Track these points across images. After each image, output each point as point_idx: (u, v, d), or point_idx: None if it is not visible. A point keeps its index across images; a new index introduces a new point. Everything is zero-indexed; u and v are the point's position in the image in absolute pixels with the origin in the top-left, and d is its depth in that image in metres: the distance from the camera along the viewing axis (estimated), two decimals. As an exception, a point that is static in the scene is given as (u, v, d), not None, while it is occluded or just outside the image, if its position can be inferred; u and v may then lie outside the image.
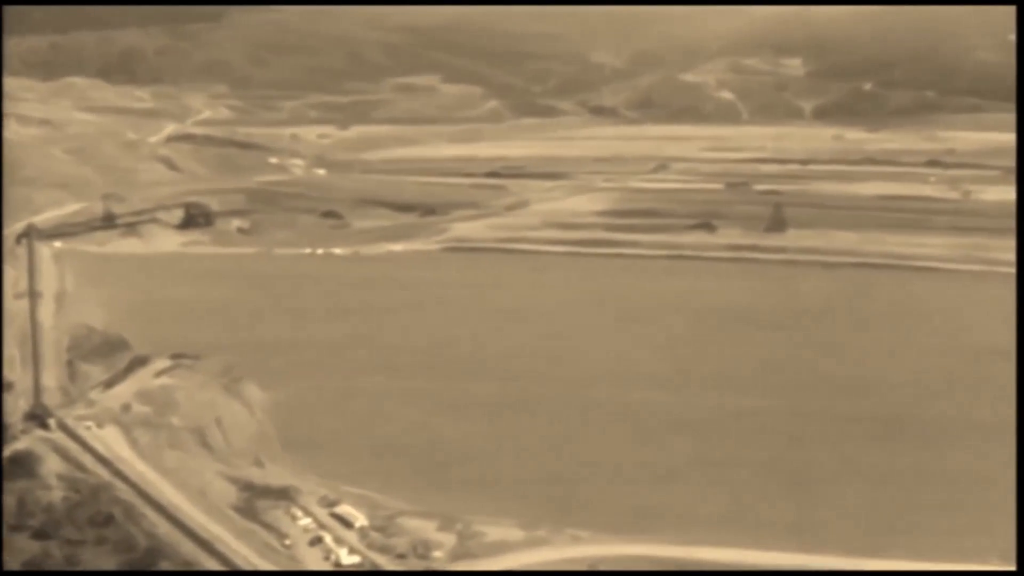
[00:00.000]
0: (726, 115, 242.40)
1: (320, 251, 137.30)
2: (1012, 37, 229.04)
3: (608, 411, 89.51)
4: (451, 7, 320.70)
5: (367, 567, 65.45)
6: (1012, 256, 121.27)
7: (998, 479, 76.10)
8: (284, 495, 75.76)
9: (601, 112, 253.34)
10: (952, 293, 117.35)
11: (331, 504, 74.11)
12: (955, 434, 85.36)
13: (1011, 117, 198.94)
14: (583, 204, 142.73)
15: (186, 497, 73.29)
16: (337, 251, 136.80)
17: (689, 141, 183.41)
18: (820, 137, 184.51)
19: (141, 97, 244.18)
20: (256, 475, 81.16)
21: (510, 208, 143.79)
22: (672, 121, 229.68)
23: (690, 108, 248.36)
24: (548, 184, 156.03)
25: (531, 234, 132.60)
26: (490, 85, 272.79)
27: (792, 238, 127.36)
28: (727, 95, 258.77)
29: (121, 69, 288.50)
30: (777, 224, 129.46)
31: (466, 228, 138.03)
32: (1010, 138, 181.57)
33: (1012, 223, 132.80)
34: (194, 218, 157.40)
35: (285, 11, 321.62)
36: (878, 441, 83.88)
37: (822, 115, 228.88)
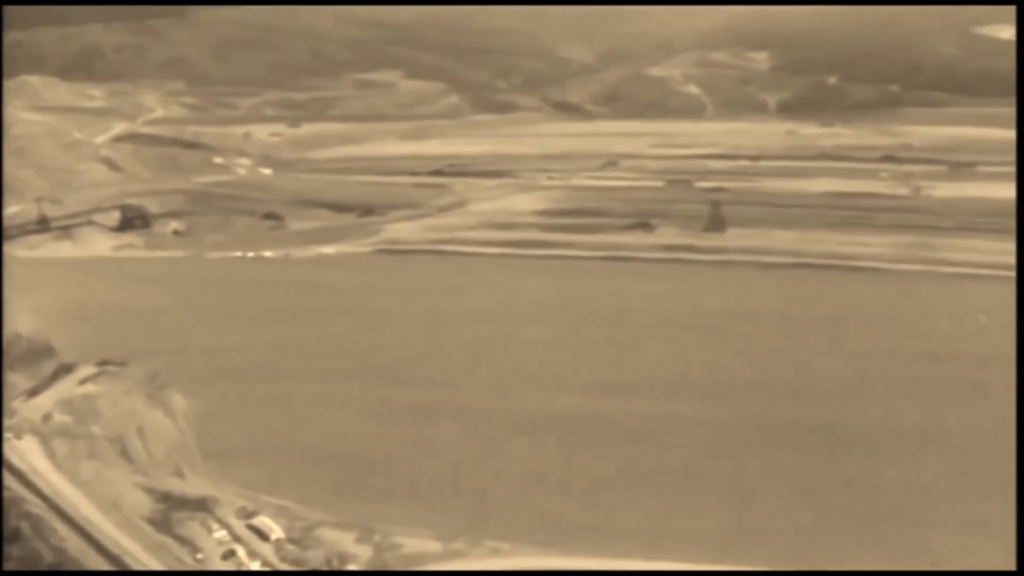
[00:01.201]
0: (691, 110, 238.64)
1: (251, 254, 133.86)
2: (975, 31, 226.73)
3: (534, 418, 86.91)
4: (422, 5, 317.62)
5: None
6: (955, 255, 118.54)
7: (935, 487, 74.20)
8: (201, 506, 73.88)
9: (564, 108, 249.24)
10: (893, 295, 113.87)
11: (249, 515, 72.35)
12: (891, 441, 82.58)
13: (972, 111, 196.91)
14: (523, 203, 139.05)
15: (99, 510, 71.65)
16: (268, 254, 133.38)
17: (641, 137, 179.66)
18: (774, 133, 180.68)
19: (93, 96, 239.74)
20: (175, 485, 78.94)
21: (447, 208, 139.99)
22: (636, 116, 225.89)
23: (655, 103, 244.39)
24: (491, 183, 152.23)
25: (465, 235, 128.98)
26: (453, 81, 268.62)
27: (731, 238, 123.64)
28: (693, 89, 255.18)
29: (80, 67, 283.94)
30: (716, 223, 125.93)
31: (400, 229, 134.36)
32: (966, 132, 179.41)
33: (959, 220, 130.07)
34: (131, 221, 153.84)
35: (250, 8, 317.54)
36: (812, 449, 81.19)
37: (785, 109, 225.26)
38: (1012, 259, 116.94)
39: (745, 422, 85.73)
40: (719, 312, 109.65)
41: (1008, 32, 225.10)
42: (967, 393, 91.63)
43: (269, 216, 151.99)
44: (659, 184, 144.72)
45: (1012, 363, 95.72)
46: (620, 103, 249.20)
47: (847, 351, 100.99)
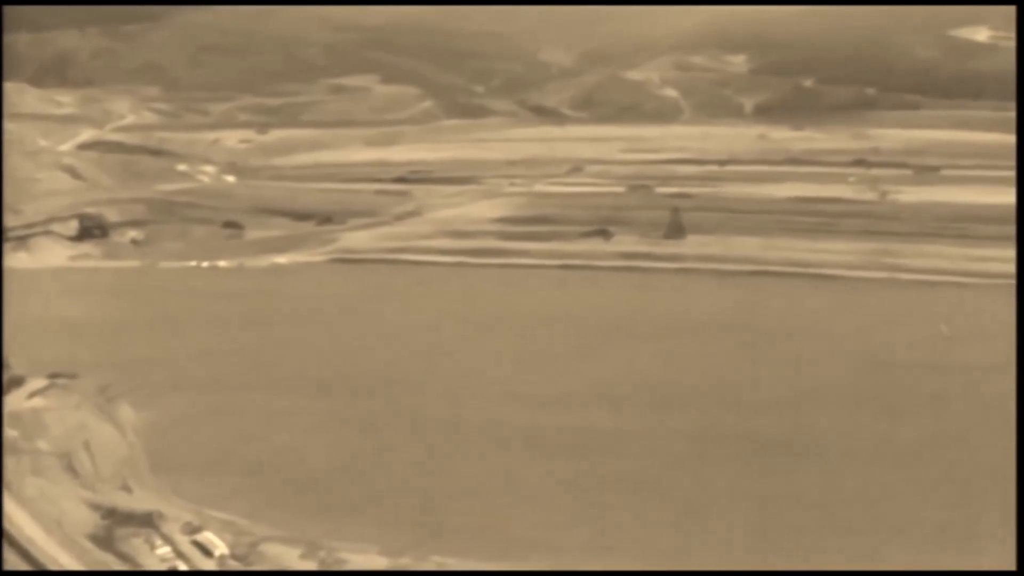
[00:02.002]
0: (667, 113, 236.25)
1: (205, 264, 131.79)
2: (951, 33, 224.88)
3: (485, 431, 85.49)
4: (401, 7, 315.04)
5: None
6: (918, 262, 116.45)
7: (890, 500, 72.81)
8: (147, 522, 72.51)
9: (540, 111, 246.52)
10: (851, 303, 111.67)
11: (194, 531, 71.14)
12: (846, 454, 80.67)
13: (946, 114, 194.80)
14: (482, 211, 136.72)
15: (41, 528, 70.52)
16: (222, 264, 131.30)
17: (610, 142, 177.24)
18: (745, 136, 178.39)
19: (62, 102, 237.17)
20: (121, 501, 77.35)
21: (404, 216, 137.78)
22: (612, 120, 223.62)
23: (632, 106, 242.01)
24: (454, 189, 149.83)
25: (421, 244, 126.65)
26: (429, 85, 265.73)
27: (691, 245, 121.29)
28: (670, 92, 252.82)
29: (54, 72, 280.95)
30: (675, 230, 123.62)
31: (355, 238, 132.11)
32: (938, 135, 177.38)
33: (923, 226, 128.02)
34: (89, 230, 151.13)
35: (229, 11, 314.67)
36: (764, 462, 79.37)
37: (761, 112, 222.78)
38: (975, 265, 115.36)
39: (697, 434, 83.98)
40: (674, 322, 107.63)
41: (984, 34, 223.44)
42: (925, 405, 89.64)
43: (229, 224, 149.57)
44: (620, 190, 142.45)
45: (972, 374, 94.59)
46: (597, 107, 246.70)
47: (803, 361, 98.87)
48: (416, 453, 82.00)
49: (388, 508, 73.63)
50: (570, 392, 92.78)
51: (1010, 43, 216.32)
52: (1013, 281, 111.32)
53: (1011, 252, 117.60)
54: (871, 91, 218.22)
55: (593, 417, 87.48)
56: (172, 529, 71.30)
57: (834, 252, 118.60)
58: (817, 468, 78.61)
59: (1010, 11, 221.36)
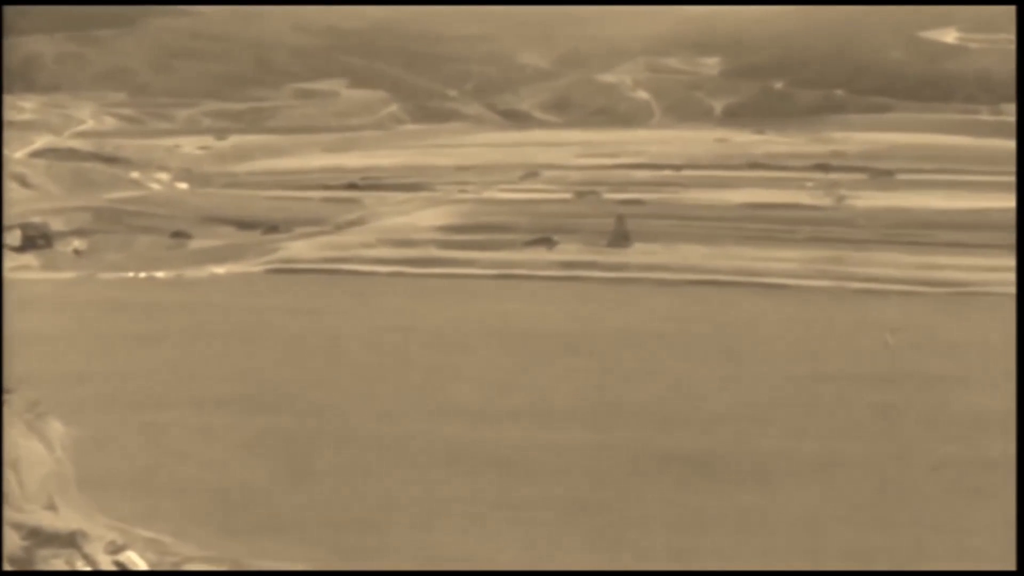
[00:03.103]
0: (640, 115, 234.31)
1: (143, 275, 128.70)
2: (921, 34, 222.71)
3: (417, 447, 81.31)
4: (379, 9, 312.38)
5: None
6: (866, 270, 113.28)
7: (828, 518, 68.44)
8: (70, 541, 67.43)
9: (511, 115, 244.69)
10: (796, 313, 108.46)
11: (117, 550, 65.84)
12: (784, 471, 76.52)
13: (913, 117, 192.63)
14: (428, 218, 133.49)
15: None
16: (160, 275, 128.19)
17: (569, 147, 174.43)
18: (705, 140, 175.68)
19: (24, 108, 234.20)
20: (46, 520, 73.39)
21: (348, 224, 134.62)
22: (584, 123, 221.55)
23: (604, 109, 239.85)
24: (403, 196, 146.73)
25: (362, 253, 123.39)
26: (399, 89, 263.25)
27: (635, 254, 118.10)
28: (642, 95, 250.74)
29: (20, 77, 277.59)
30: (620, 238, 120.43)
31: (296, 248, 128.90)
32: (903, 138, 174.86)
33: (876, 232, 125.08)
34: (33, 240, 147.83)
35: (205, 16, 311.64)
36: (700, 479, 75.38)
37: (730, 115, 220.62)
38: (924, 274, 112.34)
39: (631, 451, 79.83)
40: (614, 333, 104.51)
41: (952, 35, 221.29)
42: (867, 418, 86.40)
43: (177, 234, 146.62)
44: (568, 196, 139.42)
45: (916, 387, 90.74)
46: (569, 110, 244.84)
47: (744, 375, 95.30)
48: (345, 470, 78.12)
49: (315, 527, 69.81)
50: (503, 407, 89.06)
51: (979, 44, 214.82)
52: (962, 290, 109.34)
53: (964, 259, 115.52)
54: (840, 93, 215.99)
55: (525, 433, 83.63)
56: (95, 549, 65.84)
57: (782, 260, 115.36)
58: (755, 486, 74.76)
59: (979, 12, 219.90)
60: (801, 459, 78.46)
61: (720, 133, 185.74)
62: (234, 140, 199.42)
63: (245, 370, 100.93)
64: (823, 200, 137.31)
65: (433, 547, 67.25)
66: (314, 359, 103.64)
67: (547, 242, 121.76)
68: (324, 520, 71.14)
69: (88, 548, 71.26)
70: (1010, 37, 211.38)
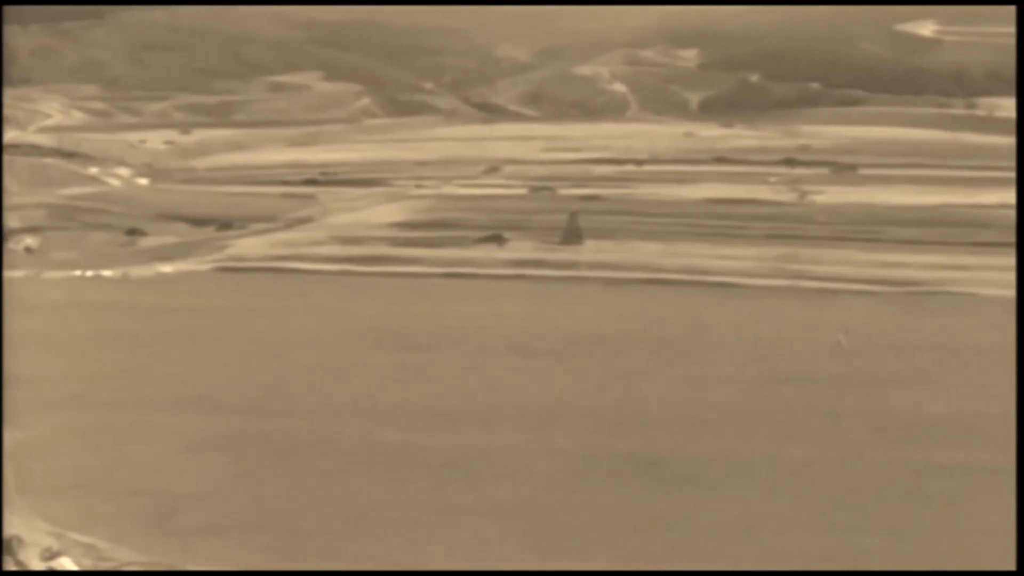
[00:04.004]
0: (616, 108, 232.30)
1: (90, 274, 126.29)
2: (898, 28, 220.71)
3: (355, 450, 79.46)
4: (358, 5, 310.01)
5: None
6: (822, 269, 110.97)
7: (775, 523, 66.17)
8: (7, 548, 66.75)
9: (485, 108, 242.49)
10: (747, 313, 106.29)
11: (52, 556, 63.64)
12: (730, 474, 74.67)
13: (887, 111, 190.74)
14: (382, 215, 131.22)
15: None
16: (107, 273, 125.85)
17: (534, 141, 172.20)
18: (671, 134, 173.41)
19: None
20: None
21: (300, 221, 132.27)
22: (560, 117, 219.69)
23: (580, 102, 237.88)
24: (360, 192, 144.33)
25: (310, 251, 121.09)
26: (373, 82, 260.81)
27: (586, 251, 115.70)
28: (619, 88, 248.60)
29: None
30: (572, 236, 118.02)
31: (246, 245, 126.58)
32: (873, 132, 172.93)
33: (836, 229, 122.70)
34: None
35: (182, 8, 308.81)
36: (643, 483, 73.34)
37: (706, 108, 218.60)
38: (881, 272, 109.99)
39: (576, 455, 77.67)
40: (560, 334, 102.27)
41: (929, 29, 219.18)
42: (816, 421, 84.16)
43: (133, 231, 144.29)
44: (523, 192, 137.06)
45: (868, 389, 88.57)
46: (544, 103, 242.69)
47: (691, 376, 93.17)
48: (286, 474, 76.48)
49: (254, 532, 67.46)
50: (448, 410, 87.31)
51: (955, 38, 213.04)
52: (918, 289, 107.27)
53: (921, 257, 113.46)
54: (815, 86, 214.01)
55: (470, 436, 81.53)
56: (30, 555, 63.52)
57: (736, 258, 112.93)
58: (699, 491, 72.64)
59: (958, 6, 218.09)
60: (747, 462, 76.55)
61: (689, 127, 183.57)
62: (198, 135, 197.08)
63: (188, 371, 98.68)
64: (785, 196, 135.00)
65: (374, 553, 64.89)
66: (257, 360, 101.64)
67: (498, 239, 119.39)
68: (263, 524, 69.18)
69: (23, 555, 69.71)
70: (986, 30, 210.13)
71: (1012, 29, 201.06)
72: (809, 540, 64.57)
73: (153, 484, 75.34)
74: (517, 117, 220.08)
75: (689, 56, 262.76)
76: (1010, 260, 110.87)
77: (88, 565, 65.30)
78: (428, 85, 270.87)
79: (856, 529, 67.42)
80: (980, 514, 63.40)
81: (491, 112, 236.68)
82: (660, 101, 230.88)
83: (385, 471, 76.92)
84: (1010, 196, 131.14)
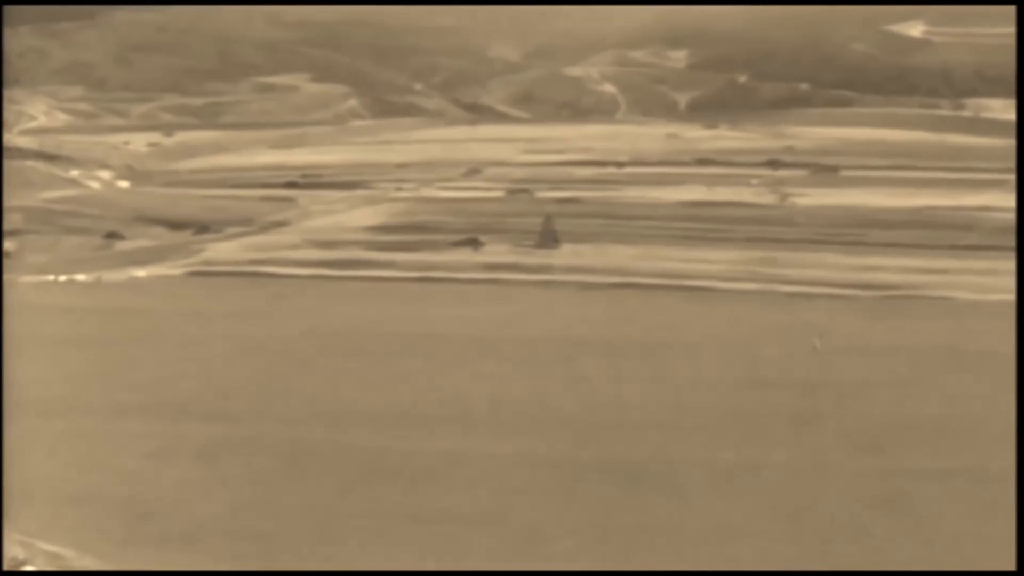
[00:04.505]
0: (605, 109, 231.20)
1: (63, 278, 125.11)
2: (887, 28, 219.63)
3: (324, 455, 78.28)
4: (350, 6, 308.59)
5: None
6: (798, 272, 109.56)
7: (746, 529, 65.39)
8: None
9: (474, 109, 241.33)
10: (722, 317, 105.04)
11: (19, 565, 62.82)
12: (702, 480, 73.19)
13: (875, 111, 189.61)
14: (359, 218, 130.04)
15: None
16: (80, 277, 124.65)
17: (517, 142, 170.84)
18: (655, 135, 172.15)
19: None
20: None
21: (277, 225, 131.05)
22: (544, 118, 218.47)
23: (570, 103, 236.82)
24: (340, 195, 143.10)
25: (285, 255, 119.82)
26: (363, 83, 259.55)
27: (561, 255, 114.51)
28: (609, 88, 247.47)
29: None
30: (548, 239, 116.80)
31: (221, 249, 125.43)
32: (859, 133, 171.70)
33: (815, 232, 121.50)
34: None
35: (172, 9, 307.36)
36: (615, 489, 72.22)
37: (694, 108, 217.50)
38: (858, 276, 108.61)
39: (545, 461, 76.28)
40: (532, 339, 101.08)
41: (919, 29, 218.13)
42: (790, 427, 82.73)
43: (110, 235, 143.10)
44: (500, 195, 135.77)
45: (842, 394, 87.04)
46: (533, 104, 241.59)
47: (665, 381, 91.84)
48: (249, 480, 75.25)
49: (222, 539, 66.45)
50: (420, 415, 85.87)
51: (944, 39, 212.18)
52: (895, 293, 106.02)
53: (899, 260, 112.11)
54: (804, 87, 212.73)
55: (443, 442, 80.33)
56: None
57: (712, 262, 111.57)
58: (672, 496, 71.61)
59: (948, 7, 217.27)
60: (718, 468, 75.20)
61: (673, 128, 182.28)
62: (181, 137, 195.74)
63: (156, 376, 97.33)
64: (766, 198, 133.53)
65: (340, 559, 63.87)
66: (225, 365, 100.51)
67: (474, 243, 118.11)
68: (234, 532, 68.11)
69: (-9, 565, 69.33)
70: (976, 31, 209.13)
71: (1001, 29, 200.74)
72: (782, 546, 63.58)
73: (122, 491, 74.34)
74: (502, 118, 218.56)
75: (679, 57, 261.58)
76: (990, 263, 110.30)
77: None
78: (418, 86, 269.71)
79: (829, 535, 66.39)
80: (955, 520, 62.48)
81: (479, 113, 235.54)
82: (649, 102, 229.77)
83: (357, 477, 75.96)
84: (993, 198, 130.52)
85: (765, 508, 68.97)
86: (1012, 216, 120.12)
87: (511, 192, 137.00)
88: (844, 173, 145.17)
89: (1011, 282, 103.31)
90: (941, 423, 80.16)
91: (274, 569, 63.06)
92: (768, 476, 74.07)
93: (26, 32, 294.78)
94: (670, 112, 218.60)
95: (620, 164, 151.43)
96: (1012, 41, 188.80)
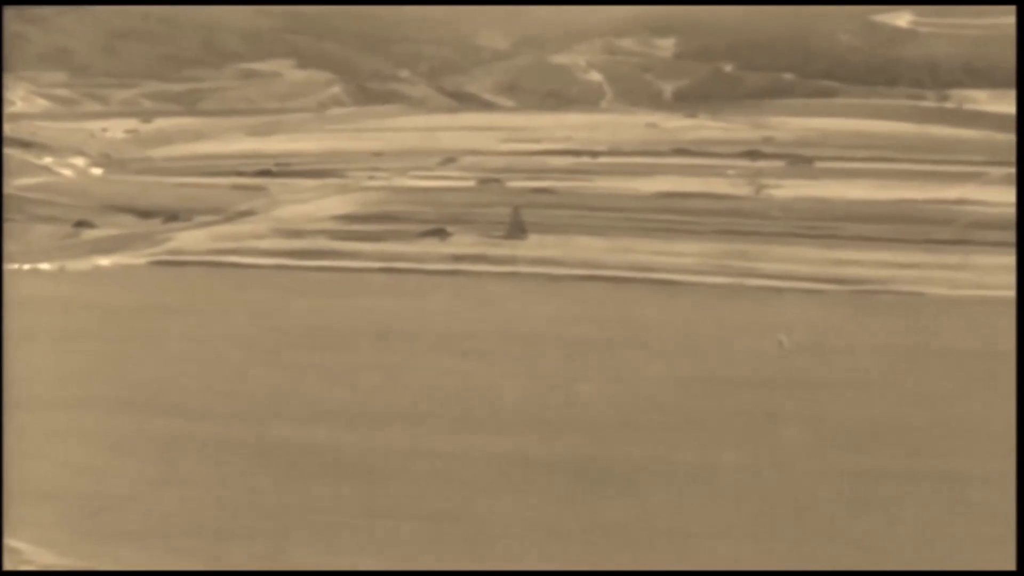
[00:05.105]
0: (590, 98, 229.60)
1: (27, 267, 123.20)
2: (873, 18, 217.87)
3: (280, 451, 76.82)
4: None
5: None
6: (770, 266, 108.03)
7: (708, 532, 63.94)
8: None
9: (458, 97, 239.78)
10: (688, 312, 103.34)
11: None
12: (660, 480, 71.62)
13: (858, 102, 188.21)
14: (329, 207, 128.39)
15: None
16: (44, 267, 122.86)
17: (497, 131, 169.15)
18: (634, 125, 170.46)
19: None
20: None
21: (246, 214, 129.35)
22: (529, 107, 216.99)
23: (556, 91, 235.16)
24: (313, 183, 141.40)
25: (251, 244, 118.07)
26: (346, 71, 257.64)
27: (528, 247, 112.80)
28: (595, 77, 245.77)
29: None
30: (516, 230, 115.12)
31: (187, 238, 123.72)
32: (840, 124, 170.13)
33: (790, 225, 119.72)
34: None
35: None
36: (570, 488, 70.82)
37: (679, 98, 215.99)
38: (829, 270, 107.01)
39: (499, 458, 74.91)
40: (493, 332, 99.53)
41: (905, 19, 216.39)
42: (754, 425, 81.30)
43: (80, 223, 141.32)
44: (471, 184, 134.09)
45: (807, 392, 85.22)
46: (519, 92, 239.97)
47: (627, 377, 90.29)
48: (207, 475, 74.25)
49: (178, 536, 65.19)
50: (375, 410, 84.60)
51: (931, 29, 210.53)
52: (864, 288, 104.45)
53: (871, 255, 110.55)
54: (790, 76, 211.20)
55: (395, 437, 78.90)
56: None
57: (682, 255, 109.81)
58: (632, 496, 70.22)
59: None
60: (681, 467, 73.75)
61: (654, 118, 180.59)
62: (159, 123, 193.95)
63: (115, 369, 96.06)
64: (742, 190, 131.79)
65: (293, 557, 62.38)
66: (183, 358, 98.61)
67: (441, 233, 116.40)
68: (189, 528, 66.89)
69: (-53, 559, 67.98)
70: (962, 22, 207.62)
71: (988, 20, 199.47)
72: (744, 547, 62.30)
73: (78, 486, 72.89)
74: (485, 107, 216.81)
75: (666, 45, 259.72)
76: (962, 258, 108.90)
77: (9, 568, 64.59)
78: (404, 73, 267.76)
79: (793, 536, 64.83)
80: (921, 521, 61.28)
81: (463, 101, 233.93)
82: (635, 91, 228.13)
83: (314, 473, 74.37)
84: (970, 191, 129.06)
85: (724, 508, 67.65)
86: (987, 210, 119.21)
87: (482, 182, 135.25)
88: (823, 164, 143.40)
89: (983, 278, 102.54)
90: (906, 422, 78.94)
91: (233, 564, 61.85)
92: (727, 476, 72.83)
93: (11, 17, 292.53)
94: (655, 101, 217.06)
95: (595, 154, 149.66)
96: (999, 32, 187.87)
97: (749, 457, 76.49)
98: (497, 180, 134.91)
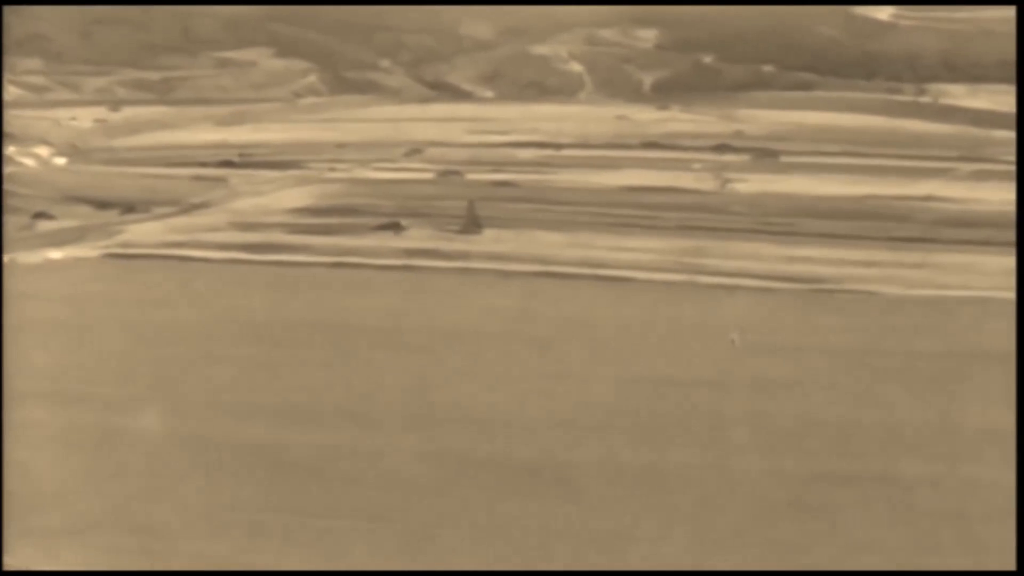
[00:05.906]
0: (569, 89, 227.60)
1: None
2: (854, 11, 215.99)
3: (216, 447, 76.41)
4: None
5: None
6: (726, 263, 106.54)
7: (649, 535, 63.05)
8: None
9: (437, 87, 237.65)
10: (638, 310, 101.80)
11: None
12: (599, 482, 71.09)
13: (835, 96, 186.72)
14: (287, 200, 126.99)
15: None
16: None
17: (465, 122, 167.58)
18: (604, 118, 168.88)
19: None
20: None
21: (201, 206, 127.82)
22: (506, 97, 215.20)
23: (536, 82, 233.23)
24: (273, 175, 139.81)
25: (204, 237, 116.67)
26: (325, 59, 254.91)
27: (482, 242, 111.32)
28: (575, 67, 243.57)
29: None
30: (471, 225, 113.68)
31: (140, 231, 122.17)
32: (813, 117, 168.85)
33: (751, 221, 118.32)
34: None
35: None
36: (509, 489, 70.05)
37: (657, 89, 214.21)
38: (785, 267, 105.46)
39: (439, 457, 74.51)
40: (439, 329, 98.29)
41: (886, 12, 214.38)
42: (698, 426, 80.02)
43: (39, 215, 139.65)
44: (430, 176, 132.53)
45: (756, 392, 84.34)
46: (499, 82, 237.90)
47: (571, 377, 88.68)
48: (141, 472, 73.38)
49: (112, 534, 64.38)
50: (317, 408, 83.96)
51: (911, 22, 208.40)
52: (819, 286, 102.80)
53: (830, 252, 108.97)
54: (769, 69, 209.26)
55: (338, 436, 78.10)
56: None
57: (637, 251, 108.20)
58: (573, 497, 69.21)
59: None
60: (618, 468, 73.02)
61: (626, 110, 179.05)
62: (128, 112, 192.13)
63: (54, 363, 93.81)
64: (707, 184, 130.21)
65: (230, 556, 61.32)
66: (126, 352, 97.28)
67: (395, 227, 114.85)
68: (119, 524, 65.91)
69: None
70: (943, 15, 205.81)
71: (969, 14, 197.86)
72: (686, 550, 61.23)
73: (15, 481, 72.58)
74: (460, 96, 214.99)
75: (648, 36, 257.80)
76: (922, 256, 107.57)
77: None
78: (384, 63, 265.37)
79: (735, 539, 63.71)
80: (864, 525, 60.20)
81: (441, 91, 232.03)
82: (614, 82, 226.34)
83: (251, 471, 73.42)
84: (937, 187, 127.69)
85: (670, 511, 66.53)
86: (952, 207, 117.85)
87: (442, 174, 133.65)
88: (790, 159, 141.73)
89: (940, 277, 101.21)
90: (853, 424, 77.92)
91: (168, 562, 60.38)
92: (670, 477, 71.66)
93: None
94: (634, 93, 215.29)
95: (559, 147, 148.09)
96: (980, 27, 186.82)
97: (696, 457, 75.30)
98: (458, 172, 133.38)
